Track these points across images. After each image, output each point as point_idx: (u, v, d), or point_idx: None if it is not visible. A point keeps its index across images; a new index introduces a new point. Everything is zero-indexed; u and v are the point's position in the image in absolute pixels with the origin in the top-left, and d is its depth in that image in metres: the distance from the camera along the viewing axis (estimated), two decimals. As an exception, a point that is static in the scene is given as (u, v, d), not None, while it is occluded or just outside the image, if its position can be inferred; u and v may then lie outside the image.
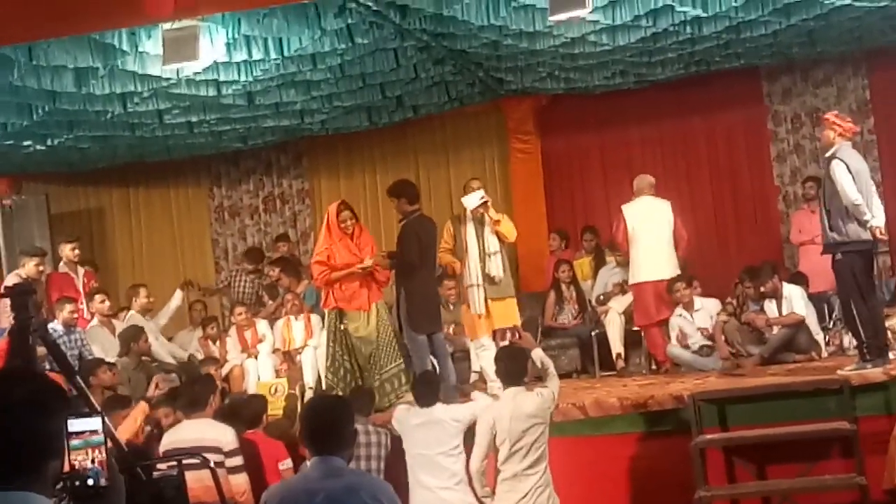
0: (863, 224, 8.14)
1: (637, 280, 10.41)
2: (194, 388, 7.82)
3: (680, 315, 10.25)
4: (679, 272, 10.35)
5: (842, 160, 8.19)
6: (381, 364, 9.34)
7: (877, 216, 8.27)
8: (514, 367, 7.25)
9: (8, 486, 2.33)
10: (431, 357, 9.25)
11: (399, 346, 9.47)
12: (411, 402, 8.21)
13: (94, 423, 2.58)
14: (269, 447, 7.80)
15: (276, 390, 10.12)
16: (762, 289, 10.01)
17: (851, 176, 8.14)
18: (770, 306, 9.97)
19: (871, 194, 8.37)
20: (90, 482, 2.51)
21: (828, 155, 8.44)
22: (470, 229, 9.57)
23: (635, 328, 10.68)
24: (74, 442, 2.53)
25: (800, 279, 10.45)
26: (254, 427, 7.94)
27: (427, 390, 7.84)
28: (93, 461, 2.53)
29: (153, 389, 8.01)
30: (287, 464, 7.72)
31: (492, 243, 9.50)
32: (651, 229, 10.33)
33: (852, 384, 7.82)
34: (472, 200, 9.55)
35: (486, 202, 9.52)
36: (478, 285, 9.46)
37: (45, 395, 2.61)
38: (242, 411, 8.04)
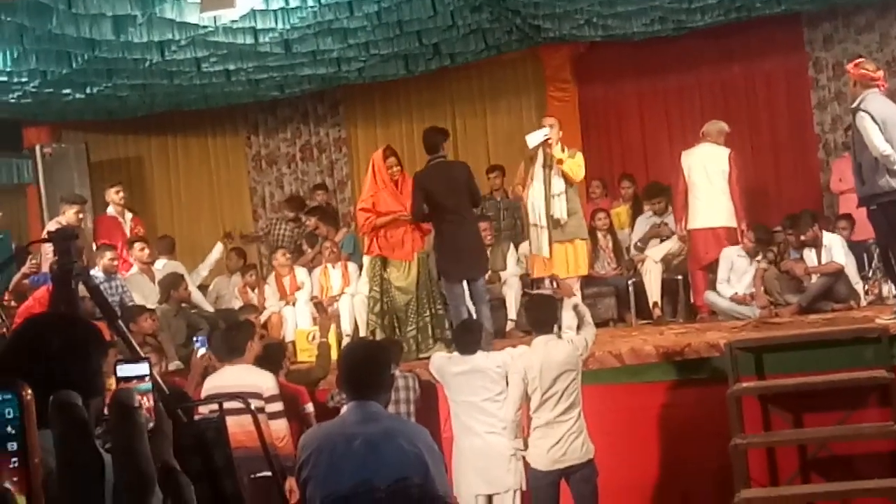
0: (894, 174, 7.98)
1: (692, 226, 10.32)
2: (232, 334, 7.86)
3: (741, 256, 10.18)
4: (735, 223, 10.26)
5: (866, 112, 7.98)
6: (419, 313, 9.40)
7: None
8: (543, 316, 7.27)
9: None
10: (470, 304, 9.25)
11: (437, 296, 9.51)
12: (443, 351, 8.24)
13: (142, 368, 2.63)
14: (292, 392, 7.87)
15: (313, 338, 10.19)
16: (802, 237, 9.95)
17: (878, 126, 7.96)
18: (810, 255, 9.92)
19: None
20: None
21: (853, 106, 8.24)
22: (538, 168, 9.41)
23: (676, 277, 10.67)
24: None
25: (847, 221, 10.39)
26: (274, 373, 7.99)
27: (469, 338, 7.75)
28: (140, 407, 2.58)
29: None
30: (309, 408, 7.80)
31: (556, 184, 9.31)
32: (705, 176, 10.21)
33: (891, 333, 7.77)
34: (534, 138, 9.38)
35: (548, 140, 9.31)
36: (540, 226, 9.35)
37: (82, 337, 2.67)
38: (262, 359, 8.07)
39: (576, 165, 9.37)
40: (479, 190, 9.57)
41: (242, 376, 7.31)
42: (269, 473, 5.93)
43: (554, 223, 9.31)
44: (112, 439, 2.39)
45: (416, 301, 9.44)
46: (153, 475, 2.38)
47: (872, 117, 7.97)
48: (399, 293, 9.41)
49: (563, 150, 9.39)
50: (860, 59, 8.71)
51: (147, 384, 2.61)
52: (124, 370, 2.61)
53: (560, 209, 9.29)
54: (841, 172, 11.04)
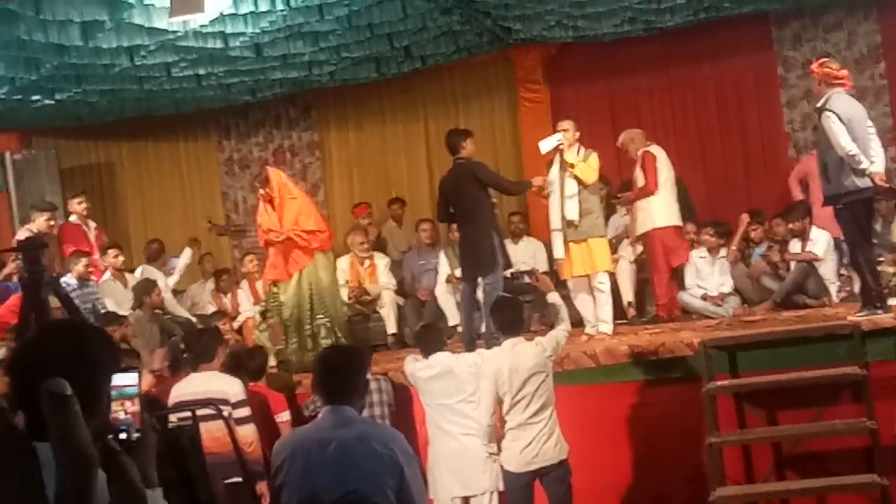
0: (860, 173, 8.03)
1: (659, 225, 10.14)
2: (201, 340, 7.84)
3: (702, 257, 10.24)
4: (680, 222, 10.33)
5: (832, 111, 8.04)
6: (300, 327, 9.66)
7: (876, 161, 8.11)
8: (510, 317, 7.25)
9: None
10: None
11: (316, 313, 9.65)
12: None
13: (131, 378, 2.54)
14: (271, 399, 7.86)
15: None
16: (791, 225, 10.03)
17: (844, 125, 8.00)
18: (795, 245, 10.02)
19: (869, 139, 8.21)
20: (122, 436, 2.47)
21: (818, 106, 8.28)
22: (554, 172, 9.40)
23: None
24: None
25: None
26: (257, 379, 7.98)
27: (429, 338, 7.86)
28: (125, 412, 2.50)
29: (160, 362, 8.03)
30: (285, 416, 7.78)
31: (569, 186, 9.27)
32: (668, 177, 10.22)
33: (863, 329, 7.82)
34: (546, 144, 9.39)
35: (560, 145, 9.28)
36: (557, 230, 9.37)
37: (95, 348, 2.56)
38: (246, 363, 8.06)
39: (588, 168, 9.28)
40: (498, 180, 9.52)
41: (210, 382, 7.28)
42: (238, 479, 5.91)
43: (567, 224, 9.29)
44: (50, 428, 2.30)
45: (300, 315, 9.63)
46: (95, 456, 2.30)
47: (839, 117, 8.02)
48: (284, 307, 9.66)
49: (577, 153, 9.35)
50: (824, 59, 8.75)
51: (134, 389, 2.53)
52: (115, 379, 2.53)
53: (571, 211, 9.25)
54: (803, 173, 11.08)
